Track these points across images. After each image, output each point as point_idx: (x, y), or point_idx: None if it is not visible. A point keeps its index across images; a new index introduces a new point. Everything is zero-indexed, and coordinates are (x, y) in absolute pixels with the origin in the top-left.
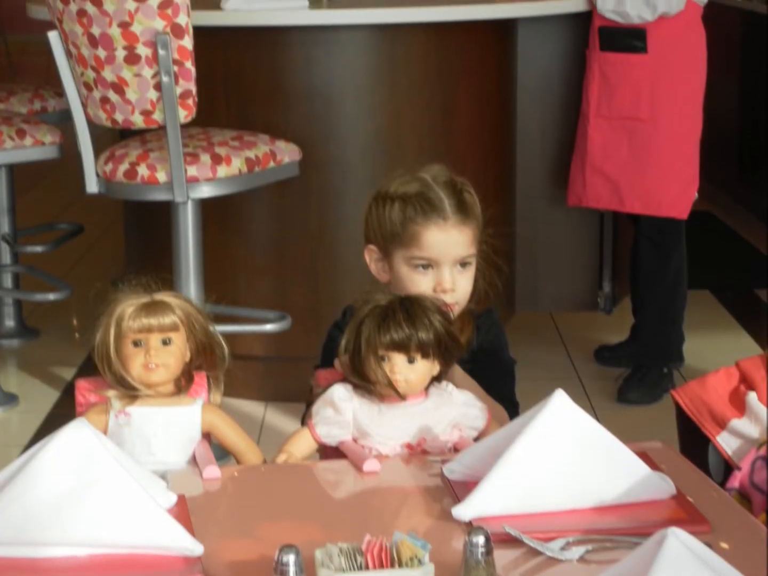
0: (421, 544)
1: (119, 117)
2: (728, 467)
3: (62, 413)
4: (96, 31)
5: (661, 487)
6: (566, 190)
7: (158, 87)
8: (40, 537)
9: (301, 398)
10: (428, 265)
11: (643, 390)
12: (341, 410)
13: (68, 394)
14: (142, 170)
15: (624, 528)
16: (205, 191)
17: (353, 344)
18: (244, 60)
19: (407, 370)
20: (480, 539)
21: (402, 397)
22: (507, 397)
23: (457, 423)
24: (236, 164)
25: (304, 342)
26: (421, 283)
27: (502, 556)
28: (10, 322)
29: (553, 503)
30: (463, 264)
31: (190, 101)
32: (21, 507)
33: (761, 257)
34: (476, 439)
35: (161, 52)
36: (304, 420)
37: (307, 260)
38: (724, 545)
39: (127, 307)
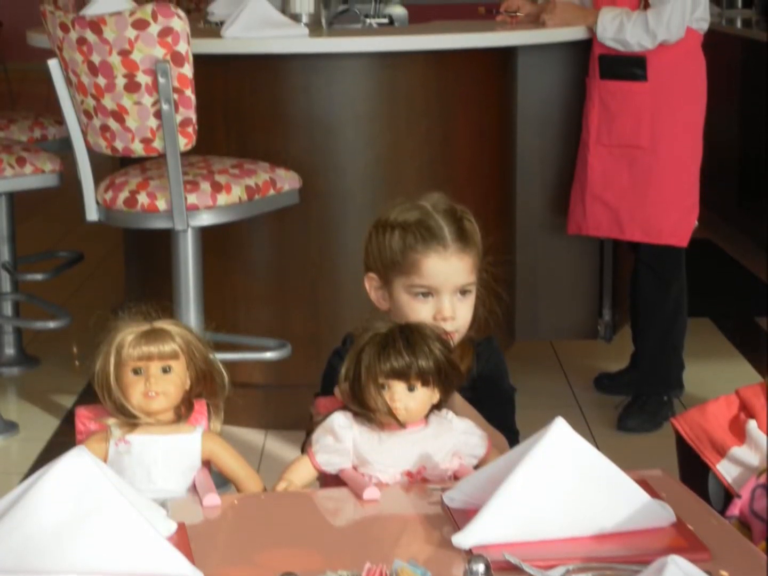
0: (421, 572)
1: (119, 145)
2: (728, 495)
3: (62, 441)
4: (96, 59)
5: (661, 514)
6: (566, 218)
7: (158, 115)
8: (40, 565)
9: (301, 426)
10: (428, 293)
11: (643, 418)
12: (341, 438)
13: (68, 422)
14: (142, 198)
15: (624, 556)
16: (205, 219)
17: (353, 372)
18: (244, 88)
19: (407, 398)
20: (480, 567)
21: (402, 425)
22: (507, 425)
23: (457, 451)
24: (236, 192)
25: (304, 370)
26: (421, 311)
27: None
28: (10, 350)
29: (554, 531)
30: (463, 292)
31: (190, 129)
32: (21, 535)
33: (761, 285)
34: (476, 467)
35: (161, 80)
36: (304, 448)
37: (307, 288)
38: (724, 573)
39: (127, 335)
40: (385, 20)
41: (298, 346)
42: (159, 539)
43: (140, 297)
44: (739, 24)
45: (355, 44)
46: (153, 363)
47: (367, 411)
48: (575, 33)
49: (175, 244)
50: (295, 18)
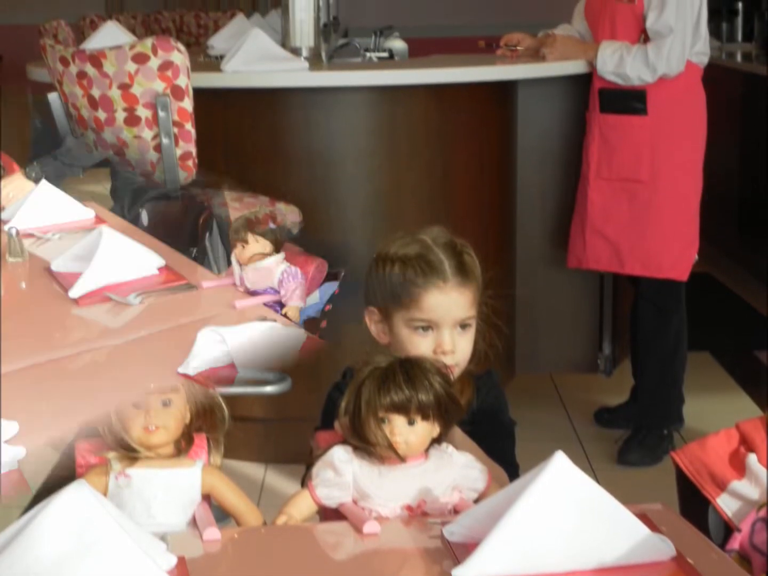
0: None
1: None
2: (728, 529)
3: (62, 475)
4: (96, 92)
5: (661, 548)
6: (566, 251)
7: (158, 148)
8: None
9: (301, 460)
10: (428, 326)
11: (643, 452)
12: (341, 472)
13: (68, 455)
14: None
15: None
16: None
17: (353, 406)
18: (244, 121)
19: (407, 431)
20: None
21: (402, 459)
22: (507, 458)
23: (458, 485)
24: None
25: (304, 403)
26: (421, 345)
27: None
28: None
29: (553, 565)
30: (463, 326)
31: (190, 163)
32: (21, 569)
33: (761, 319)
34: (476, 501)
35: (161, 113)
36: (304, 482)
37: None
38: None
39: None
40: (385, 54)
41: (298, 380)
42: (159, 573)
43: None
44: (739, 58)
45: (356, 78)
46: (153, 396)
47: (367, 445)
48: (575, 67)
49: None
50: (295, 52)
